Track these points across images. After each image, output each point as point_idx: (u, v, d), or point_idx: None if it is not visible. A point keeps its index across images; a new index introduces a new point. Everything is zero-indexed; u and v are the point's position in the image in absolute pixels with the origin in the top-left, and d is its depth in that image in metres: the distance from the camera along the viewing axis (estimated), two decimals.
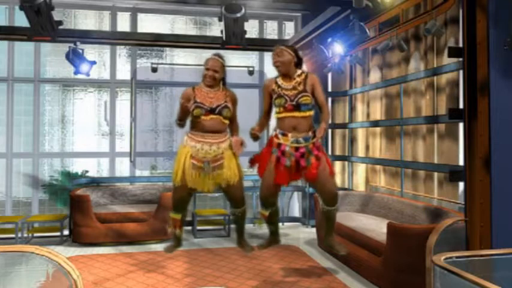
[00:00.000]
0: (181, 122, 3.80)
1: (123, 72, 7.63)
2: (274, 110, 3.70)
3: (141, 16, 7.60)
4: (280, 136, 3.58)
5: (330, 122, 6.34)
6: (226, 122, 3.78)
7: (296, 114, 3.54)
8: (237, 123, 3.94)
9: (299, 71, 3.65)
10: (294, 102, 3.53)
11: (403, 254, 3.73)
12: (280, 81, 3.65)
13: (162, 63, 7.48)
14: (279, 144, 3.57)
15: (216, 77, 3.73)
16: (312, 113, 3.61)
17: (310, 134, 3.56)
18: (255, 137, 3.64)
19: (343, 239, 4.64)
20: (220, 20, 4.97)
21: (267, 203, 3.76)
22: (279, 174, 3.56)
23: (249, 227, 6.41)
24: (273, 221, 3.91)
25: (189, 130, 3.80)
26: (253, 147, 7.63)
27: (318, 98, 3.64)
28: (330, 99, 7.13)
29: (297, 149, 3.52)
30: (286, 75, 3.64)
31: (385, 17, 5.43)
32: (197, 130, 3.72)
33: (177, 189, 3.80)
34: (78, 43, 5.60)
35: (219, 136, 3.72)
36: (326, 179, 3.60)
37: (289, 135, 3.53)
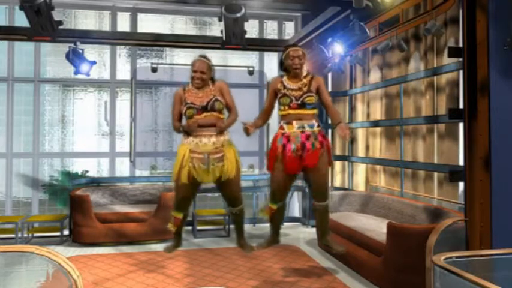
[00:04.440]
0: (177, 124, 3.82)
1: (123, 72, 7.62)
2: (278, 107, 3.76)
3: (141, 16, 7.60)
4: (285, 126, 3.63)
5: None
6: (222, 116, 3.80)
7: (300, 111, 3.62)
8: (235, 112, 3.86)
9: (305, 72, 3.71)
10: (298, 102, 3.61)
11: (403, 254, 3.73)
12: (286, 81, 3.70)
13: (162, 63, 7.48)
14: (284, 134, 3.63)
15: (204, 78, 3.77)
16: (316, 110, 3.69)
17: (314, 122, 3.64)
18: (246, 132, 3.66)
19: (343, 239, 4.64)
20: (220, 20, 4.97)
21: (277, 196, 3.80)
22: (288, 162, 3.59)
23: (249, 227, 6.43)
24: (278, 217, 3.93)
25: None
26: (253, 146, 7.68)
27: (325, 99, 3.72)
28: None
29: (302, 132, 3.59)
30: (295, 76, 3.68)
31: (385, 17, 5.43)
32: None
33: (178, 186, 3.81)
34: (78, 43, 5.60)
35: (217, 129, 3.73)
36: (322, 169, 3.65)
37: (294, 122, 3.60)
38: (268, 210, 3.90)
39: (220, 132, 3.74)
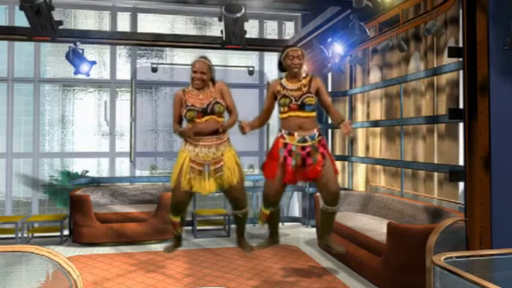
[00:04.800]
0: (177, 126, 3.81)
1: (123, 72, 7.62)
2: (278, 110, 3.72)
3: (141, 16, 7.60)
4: (286, 136, 3.60)
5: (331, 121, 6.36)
6: (222, 120, 3.79)
7: (300, 113, 3.57)
8: (235, 113, 3.84)
9: (304, 73, 3.69)
10: (298, 102, 3.57)
11: (403, 254, 3.73)
12: (285, 82, 3.67)
13: (162, 63, 7.48)
14: (286, 144, 3.59)
15: (204, 78, 3.75)
16: (315, 113, 3.65)
17: (315, 131, 3.60)
18: (241, 130, 3.62)
19: (343, 239, 4.64)
20: (220, 20, 4.97)
21: (270, 202, 3.77)
22: (287, 174, 3.58)
23: (249, 227, 6.42)
24: (273, 220, 3.92)
25: None
26: (253, 146, 7.68)
27: (325, 101, 3.69)
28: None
29: (303, 148, 3.54)
30: (294, 76, 3.66)
31: (385, 17, 5.43)
32: (194, 134, 3.72)
33: (175, 192, 3.81)
34: (78, 43, 5.60)
35: (217, 138, 3.72)
36: (330, 177, 3.62)
37: (296, 134, 3.56)
38: (262, 216, 3.88)
39: (223, 131, 3.74)
